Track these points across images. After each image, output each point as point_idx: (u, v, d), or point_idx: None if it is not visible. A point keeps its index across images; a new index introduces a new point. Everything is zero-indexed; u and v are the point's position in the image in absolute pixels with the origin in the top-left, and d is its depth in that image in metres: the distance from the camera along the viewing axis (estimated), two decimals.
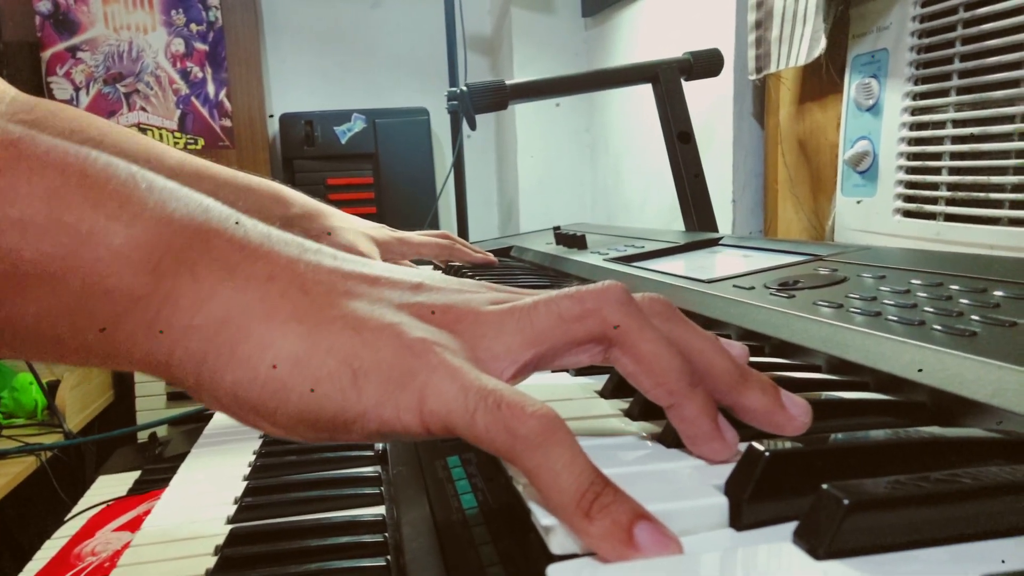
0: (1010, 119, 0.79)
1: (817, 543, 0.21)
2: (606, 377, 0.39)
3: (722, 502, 0.25)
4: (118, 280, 0.27)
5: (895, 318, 0.40)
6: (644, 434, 0.32)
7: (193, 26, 2.03)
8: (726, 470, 0.26)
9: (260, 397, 0.27)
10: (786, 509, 0.24)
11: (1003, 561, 0.21)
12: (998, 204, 0.81)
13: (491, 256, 1.00)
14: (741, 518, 0.24)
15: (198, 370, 0.28)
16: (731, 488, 0.26)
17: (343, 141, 2.00)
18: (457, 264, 0.95)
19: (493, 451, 0.26)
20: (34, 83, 1.97)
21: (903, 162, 0.93)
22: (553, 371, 0.32)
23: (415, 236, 0.95)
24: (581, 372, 0.42)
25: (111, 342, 0.28)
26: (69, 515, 0.68)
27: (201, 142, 2.07)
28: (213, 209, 0.30)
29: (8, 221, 0.25)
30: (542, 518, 0.24)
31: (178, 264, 0.27)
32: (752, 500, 0.25)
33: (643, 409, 0.34)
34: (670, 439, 0.30)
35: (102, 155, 0.29)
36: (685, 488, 0.26)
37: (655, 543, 0.23)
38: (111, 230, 0.27)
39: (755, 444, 0.26)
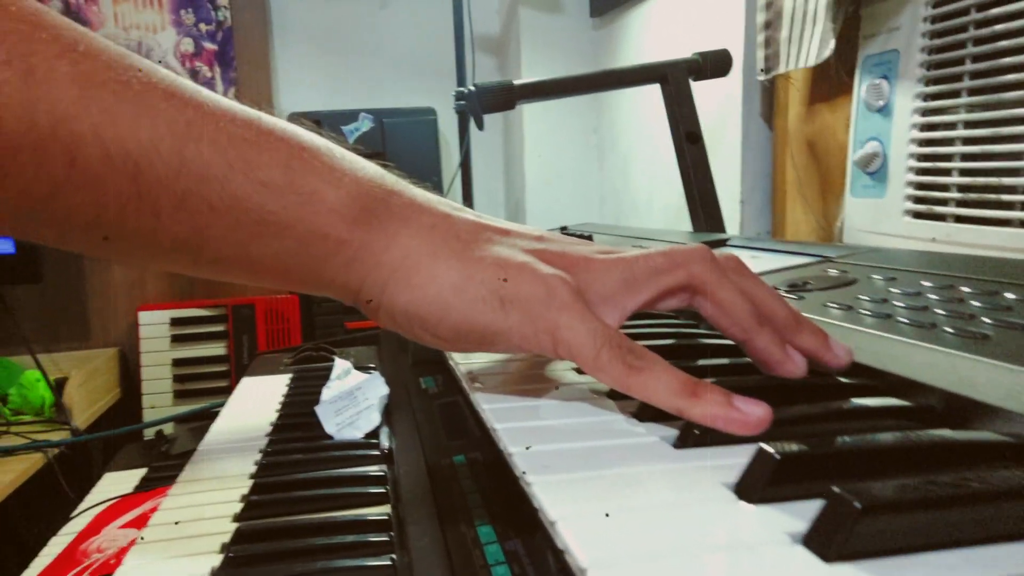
0: (1021, 120, 0.79)
1: (828, 546, 0.21)
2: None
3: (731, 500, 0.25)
4: (331, 228, 0.35)
5: (906, 320, 0.39)
6: (653, 435, 0.32)
7: (202, 26, 2.03)
8: (736, 470, 0.26)
9: (428, 312, 0.35)
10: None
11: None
12: (1009, 206, 0.80)
13: None
14: None
15: (380, 294, 0.36)
16: (742, 488, 0.25)
17: (351, 140, 2.01)
18: None
19: (609, 377, 0.33)
20: None
21: (913, 163, 0.93)
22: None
23: None
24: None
25: (321, 274, 0.36)
26: (75, 512, 0.68)
27: None
28: (386, 175, 0.38)
29: (259, 183, 0.34)
30: (550, 512, 0.24)
31: (370, 216, 0.36)
32: (762, 501, 0.24)
33: (653, 413, 0.34)
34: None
35: (304, 131, 0.36)
36: (695, 487, 0.26)
37: (749, 403, 0.30)
38: (326, 191, 0.35)
39: (764, 446, 0.26)
